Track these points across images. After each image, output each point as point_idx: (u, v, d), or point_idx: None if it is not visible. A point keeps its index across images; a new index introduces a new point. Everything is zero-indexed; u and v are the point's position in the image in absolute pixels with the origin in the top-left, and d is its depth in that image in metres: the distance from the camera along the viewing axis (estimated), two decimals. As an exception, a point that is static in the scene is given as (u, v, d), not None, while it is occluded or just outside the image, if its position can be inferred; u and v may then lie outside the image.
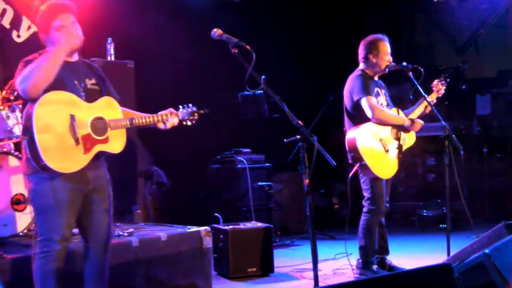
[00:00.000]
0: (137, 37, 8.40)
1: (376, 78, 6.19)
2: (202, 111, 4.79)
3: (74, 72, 4.30)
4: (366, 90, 5.94)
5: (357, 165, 5.89)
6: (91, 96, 4.30)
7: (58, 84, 4.13)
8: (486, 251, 3.42)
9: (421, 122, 6.10)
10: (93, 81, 4.40)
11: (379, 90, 6.13)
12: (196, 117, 4.75)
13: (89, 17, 7.54)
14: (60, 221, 4.13)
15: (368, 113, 5.89)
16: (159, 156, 8.54)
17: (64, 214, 4.14)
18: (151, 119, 4.53)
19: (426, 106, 6.21)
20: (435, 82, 6.39)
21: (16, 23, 7.53)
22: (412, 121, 6.07)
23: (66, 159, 4.09)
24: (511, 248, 3.63)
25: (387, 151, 5.97)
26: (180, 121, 4.69)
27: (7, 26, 7.47)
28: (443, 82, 6.38)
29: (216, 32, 4.31)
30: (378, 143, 5.93)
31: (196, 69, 9.13)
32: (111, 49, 7.11)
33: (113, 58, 7.15)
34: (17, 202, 5.73)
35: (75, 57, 4.40)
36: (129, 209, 6.96)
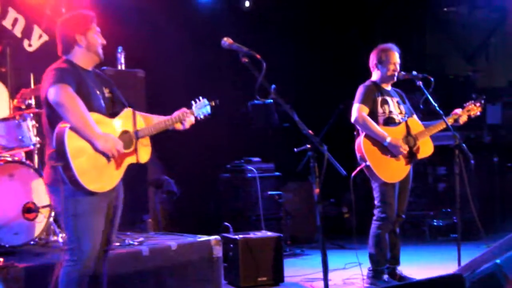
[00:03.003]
0: (147, 46, 8.43)
1: (387, 87, 6.21)
2: (212, 103, 4.77)
3: (93, 81, 4.37)
4: (362, 99, 6.04)
5: (362, 165, 5.93)
6: (108, 105, 4.39)
7: (86, 93, 4.21)
8: (498, 261, 3.41)
9: (404, 148, 5.95)
10: (108, 89, 4.47)
11: (388, 98, 6.14)
12: (208, 111, 4.74)
13: (100, 26, 7.59)
14: (91, 231, 4.18)
15: (352, 117, 6.01)
16: (170, 165, 8.55)
17: (95, 222, 4.20)
18: (170, 121, 4.55)
19: (456, 118, 6.18)
20: (469, 102, 6.33)
21: (27, 32, 7.58)
22: (395, 143, 5.92)
23: (101, 178, 4.16)
24: (523, 258, 3.62)
25: (395, 156, 5.96)
26: (196, 118, 4.68)
27: (19, 35, 7.52)
28: (479, 104, 6.33)
29: (227, 41, 4.32)
30: (385, 146, 5.94)
31: (207, 78, 9.14)
32: (121, 58, 7.13)
33: (123, 67, 7.16)
34: (28, 211, 5.75)
35: (91, 67, 4.46)
36: (139, 218, 6.96)
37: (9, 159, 5.93)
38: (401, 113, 6.17)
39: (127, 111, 4.41)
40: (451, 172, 9.38)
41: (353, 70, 10.53)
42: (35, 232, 5.80)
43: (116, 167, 4.24)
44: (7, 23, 7.44)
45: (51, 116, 4.18)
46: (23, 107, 6.23)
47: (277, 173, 8.54)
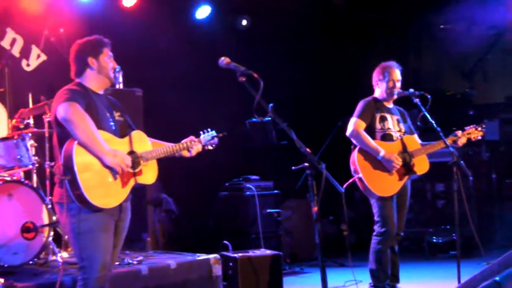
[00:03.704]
0: (145, 65, 8.46)
1: (388, 104, 6.23)
2: (221, 135, 4.93)
3: (104, 104, 4.45)
4: (360, 113, 6.09)
5: (355, 176, 5.95)
6: (119, 128, 4.45)
7: (95, 114, 4.27)
8: (497, 278, 3.41)
9: (397, 163, 5.94)
10: (119, 113, 4.54)
11: (388, 115, 6.15)
12: (215, 141, 4.90)
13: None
14: (99, 249, 4.21)
15: (348, 131, 6.06)
16: (168, 184, 8.55)
17: (103, 240, 4.23)
18: (177, 147, 4.67)
19: (455, 140, 6.18)
20: (471, 126, 6.32)
21: (25, 52, 7.62)
22: (388, 157, 5.92)
23: (107, 195, 4.20)
24: (522, 275, 3.61)
25: (388, 171, 5.96)
26: (203, 147, 4.83)
27: (17, 55, 7.56)
28: (481, 129, 6.31)
29: (224, 60, 4.34)
30: (378, 161, 5.95)
31: (204, 97, 9.18)
32: (119, 77, 7.14)
33: (121, 86, 7.18)
34: (27, 230, 5.74)
35: (102, 91, 4.53)
36: (138, 237, 6.95)
37: (8, 178, 5.93)
38: (399, 131, 6.17)
39: (135, 133, 4.49)
40: (449, 189, 9.38)
41: (351, 88, 10.59)
42: (34, 252, 5.78)
43: (122, 185, 4.29)
44: (5, 43, 7.48)
45: (60, 134, 4.24)
46: (22, 126, 6.25)
47: (275, 191, 8.53)
